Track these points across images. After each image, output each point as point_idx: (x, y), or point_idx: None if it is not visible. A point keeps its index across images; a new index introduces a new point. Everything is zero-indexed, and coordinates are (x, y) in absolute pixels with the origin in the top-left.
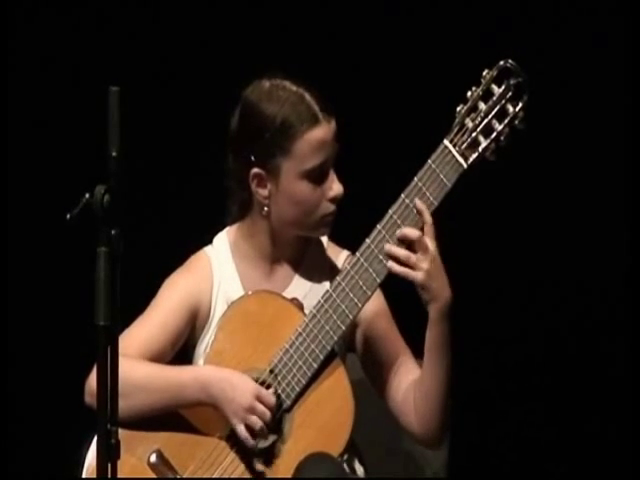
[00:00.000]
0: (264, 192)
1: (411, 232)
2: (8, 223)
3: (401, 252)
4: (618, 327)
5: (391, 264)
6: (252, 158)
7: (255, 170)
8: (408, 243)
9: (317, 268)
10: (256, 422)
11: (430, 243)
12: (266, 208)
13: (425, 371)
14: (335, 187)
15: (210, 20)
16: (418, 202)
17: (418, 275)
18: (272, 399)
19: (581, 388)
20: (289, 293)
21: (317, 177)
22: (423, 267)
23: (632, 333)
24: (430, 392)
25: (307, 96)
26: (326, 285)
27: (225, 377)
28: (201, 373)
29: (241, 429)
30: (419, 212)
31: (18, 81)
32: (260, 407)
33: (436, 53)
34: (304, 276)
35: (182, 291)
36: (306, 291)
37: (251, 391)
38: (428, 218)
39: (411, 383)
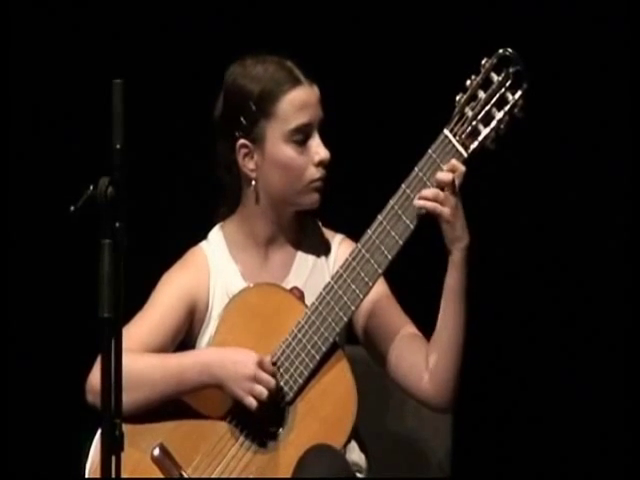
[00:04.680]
0: (251, 164)
1: (445, 176)
2: (11, 216)
3: (430, 191)
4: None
5: (423, 202)
6: (237, 133)
7: (240, 141)
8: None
9: (315, 250)
10: (262, 392)
11: (455, 188)
12: (254, 182)
13: (443, 322)
14: (321, 151)
15: (216, 9)
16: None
17: (445, 210)
18: (273, 367)
19: (582, 386)
20: (289, 280)
21: (302, 140)
22: (450, 203)
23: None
24: (448, 346)
25: (288, 62)
26: (325, 267)
27: (225, 355)
28: (201, 356)
29: (249, 401)
30: (451, 167)
31: (21, 74)
32: (264, 375)
33: (435, 42)
34: (304, 258)
35: (179, 286)
36: (306, 277)
37: (252, 361)
38: (460, 166)
39: (418, 350)
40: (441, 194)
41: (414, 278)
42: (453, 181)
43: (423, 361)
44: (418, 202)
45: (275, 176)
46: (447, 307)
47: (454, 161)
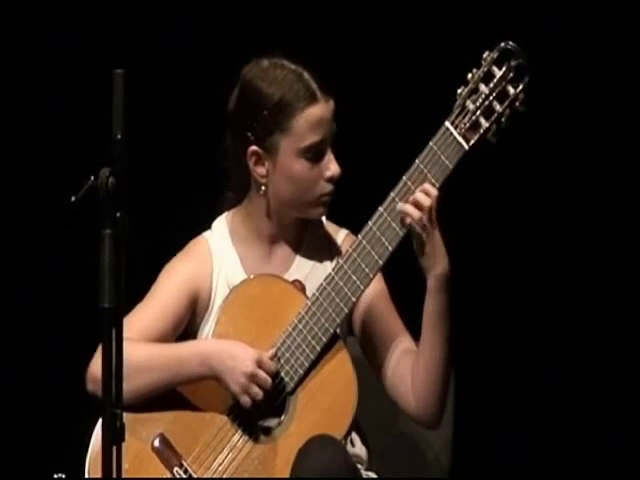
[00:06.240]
0: (262, 170)
1: (424, 199)
2: (13, 206)
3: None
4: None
5: (406, 206)
6: (250, 136)
7: (253, 148)
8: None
9: (317, 248)
10: (257, 393)
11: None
12: (263, 187)
13: (423, 344)
14: (332, 167)
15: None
16: (425, 185)
17: (420, 227)
18: (272, 364)
19: (582, 384)
20: (291, 274)
21: (314, 156)
22: (426, 222)
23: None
24: (427, 367)
25: (305, 74)
26: (327, 264)
27: (224, 348)
28: (200, 346)
29: (245, 399)
30: (425, 191)
31: (23, 64)
32: (261, 374)
33: (437, 35)
34: (305, 256)
35: (181, 276)
36: (307, 271)
37: (251, 358)
38: (433, 192)
39: (408, 363)
40: (422, 200)
41: (413, 279)
42: (430, 207)
43: (410, 378)
44: (401, 207)
45: (285, 186)
46: (425, 331)
47: (427, 185)
